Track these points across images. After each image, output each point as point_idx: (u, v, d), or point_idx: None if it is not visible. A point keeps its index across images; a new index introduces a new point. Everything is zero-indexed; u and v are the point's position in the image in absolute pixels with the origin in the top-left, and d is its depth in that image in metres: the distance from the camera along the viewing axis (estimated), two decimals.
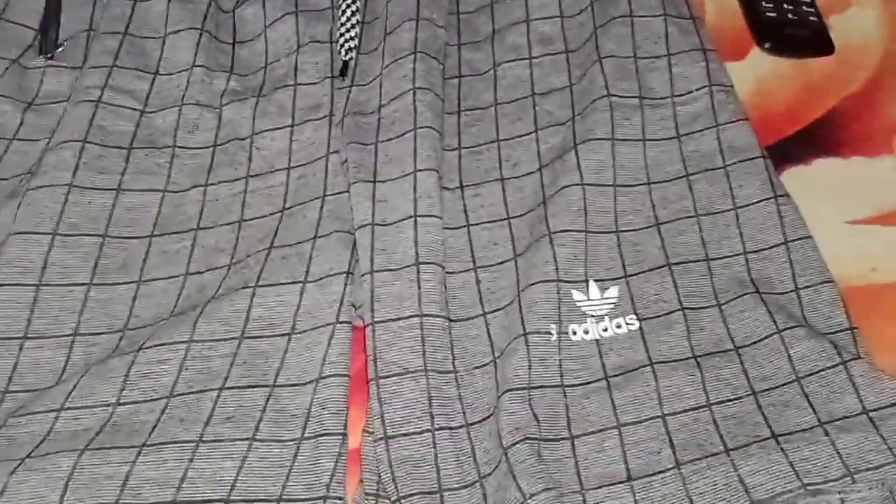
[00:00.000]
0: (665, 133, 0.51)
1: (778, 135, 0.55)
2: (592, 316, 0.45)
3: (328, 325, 0.44)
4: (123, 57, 0.54)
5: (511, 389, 0.41)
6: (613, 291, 0.45)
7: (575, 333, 0.44)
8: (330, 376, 0.43)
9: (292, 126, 0.53)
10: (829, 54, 0.58)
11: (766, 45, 0.59)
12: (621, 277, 0.46)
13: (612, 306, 0.45)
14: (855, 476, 0.38)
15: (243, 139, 0.52)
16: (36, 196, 0.48)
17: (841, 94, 0.57)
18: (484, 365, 0.44)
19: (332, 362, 0.43)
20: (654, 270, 0.46)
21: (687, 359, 0.42)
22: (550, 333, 0.43)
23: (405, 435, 0.41)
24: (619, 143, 0.50)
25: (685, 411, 0.41)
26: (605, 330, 0.44)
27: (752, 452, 0.39)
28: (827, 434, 0.39)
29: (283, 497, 0.40)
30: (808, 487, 0.38)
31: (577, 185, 0.48)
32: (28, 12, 0.57)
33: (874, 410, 0.40)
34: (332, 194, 0.49)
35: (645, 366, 0.42)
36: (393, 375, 0.43)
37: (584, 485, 0.39)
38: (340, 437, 0.42)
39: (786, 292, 0.45)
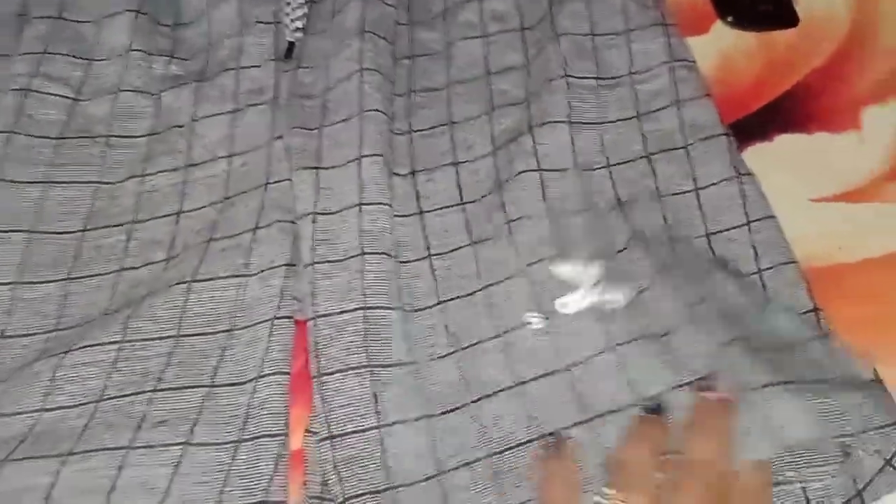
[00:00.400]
0: (624, 113, 0.49)
1: (742, 111, 0.53)
2: (585, 283, 0.43)
3: (268, 320, 0.42)
4: (55, 42, 0.52)
5: (499, 391, 0.40)
6: (596, 267, 0.43)
7: (566, 306, 0.42)
8: (270, 374, 0.41)
9: (234, 111, 0.50)
10: (793, 27, 0.56)
11: (729, 19, 0.56)
12: (598, 258, 0.44)
13: (595, 282, 0.43)
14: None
15: (182, 126, 0.50)
16: None
17: (806, 67, 0.55)
18: (443, 356, 0.42)
19: (272, 360, 0.41)
20: (622, 252, 0.44)
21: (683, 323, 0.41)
22: (530, 323, 0.42)
23: (350, 433, 0.40)
24: (575, 126, 0.48)
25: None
26: (603, 294, 0.42)
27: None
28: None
29: (221, 503, 0.38)
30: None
31: (535, 170, 0.46)
32: None
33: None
34: (275, 182, 0.47)
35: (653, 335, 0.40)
36: (336, 372, 0.41)
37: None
38: (280, 438, 0.40)
39: (749, 274, 0.44)
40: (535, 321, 0.42)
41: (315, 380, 0.41)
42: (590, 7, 0.52)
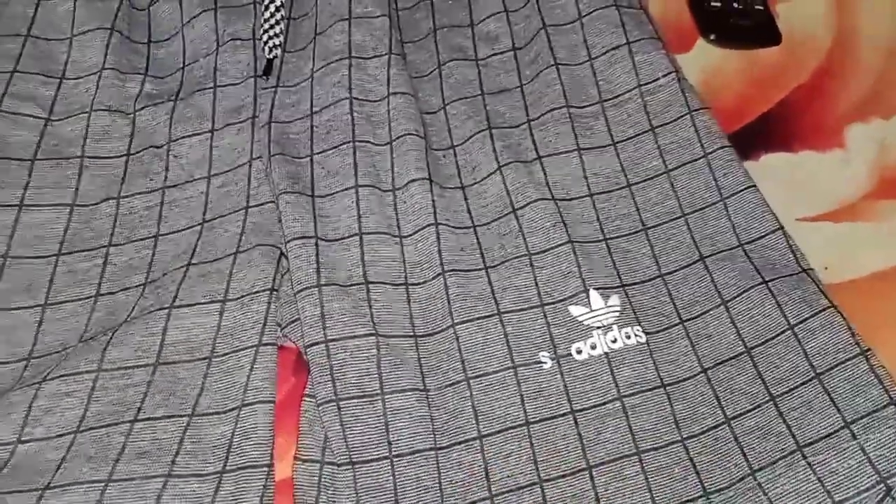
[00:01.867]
0: (637, 128, 0.49)
1: (727, 130, 0.52)
2: (599, 327, 0.42)
3: (251, 347, 0.41)
4: (26, 61, 0.50)
5: (506, 429, 0.39)
6: (615, 300, 0.43)
7: (580, 352, 0.41)
8: (254, 403, 0.40)
9: (212, 131, 0.49)
10: (776, 44, 0.56)
11: (712, 37, 0.56)
12: (619, 287, 0.43)
13: (617, 314, 0.42)
14: (888, 481, 0.36)
15: (159, 147, 0.48)
16: None
17: (790, 85, 0.55)
18: (455, 383, 0.41)
19: (255, 388, 0.40)
20: (649, 282, 0.44)
21: (696, 375, 0.40)
22: (542, 363, 0.41)
23: (369, 461, 0.39)
24: (586, 152, 0.48)
25: (704, 432, 0.39)
26: (615, 341, 0.41)
27: (778, 472, 0.37)
28: (854, 437, 0.37)
29: None
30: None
31: (549, 199, 0.45)
32: None
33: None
34: (256, 206, 0.46)
35: (658, 387, 0.40)
36: (354, 398, 0.40)
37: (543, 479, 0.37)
38: (266, 468, 0.38)
39: (795, 273, 0.43)
40: (549, 362, 0.41)
41: (330, 404, 0.40)
42: (584, 30, 0.51)
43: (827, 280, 0.47)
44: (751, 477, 0.37)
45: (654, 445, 0.38)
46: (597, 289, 0.43)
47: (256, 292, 0.42)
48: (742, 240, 0.44)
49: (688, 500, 0.37)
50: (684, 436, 0.39)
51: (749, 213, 0.45)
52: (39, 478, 0.37)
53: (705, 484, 0.37)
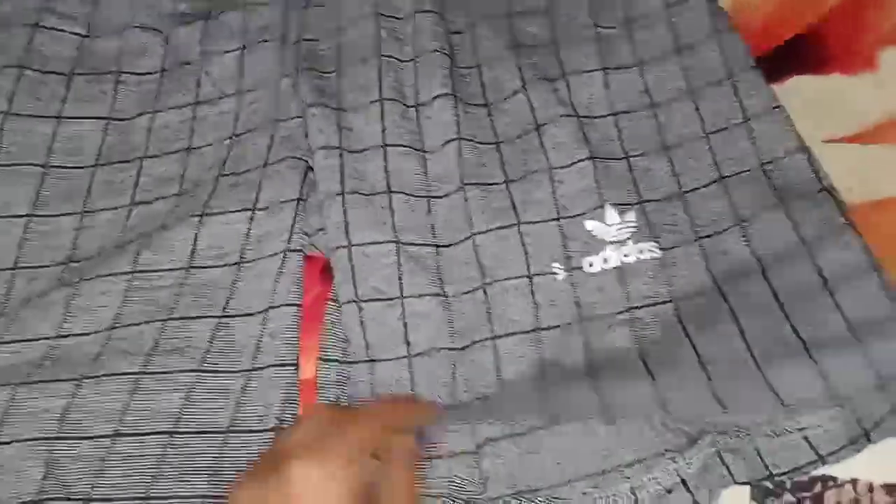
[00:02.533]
0: (663, 49, 0.49)
1: (755, 52, 0.52)
2: (613, 242, 0.43)
3: (278, 253, 0.43)
4: None
5: (515, 333, 0.41)
6: (631, 216, 0.44)
7: (592, 265, 0.42)
8: (281, 306, 0.41)
9: (243, 49, 0.50)
10: None
11: None
12: (637, 203, 0.44)
13: (633, 230, 0.43)
14: (888, 385, 0.36)
15: (191, 64, 0.50)
16: None
17: (821, 8, 0.54)
18: (472, 290, 0.43)
19: (283, 291, 0.42)
20: (667, 200, 0.44)
21: (710, 289, 0.41)
22: (555, 273, 0.42)
23: (385, 360, 0.41)
24: (611, 72, 0.48)
25: (717, 338, 0.40)
26: (627, 256, 0.43)
27: (782, 364, 0.37)
28: (859, 341, 0.37)
29: (233, 429, 0.39)
30: (832, 398, 0.36)
31: (573, 116, 0.46)
32: None
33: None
34: (284, 120, 0.47)
35: (668, 301, 0.41)
36: (373, 300, 0.42)
37: (612, 412, 0.38)
38: (292, 367, 0.40)
39: (816, 192, 0.43)
40: (560, 273, 0.42)
41: (351, 305, 0.42)
42: None
43: (851, 200, 0.47)
44: (752, 362, 0.38)
45: (660, 358, 0.39)
46: (613, 204, 0.44)
47: (284, 202, 0.44)
48: (763, 160, 0.44)
49: (685, 379, 0.38)
50: (700, 353, 0.39)
51: (772, 133, 0.45)
52: (77, 369, 0.40)
53: (708, 370, 0.38)
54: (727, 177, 0.44)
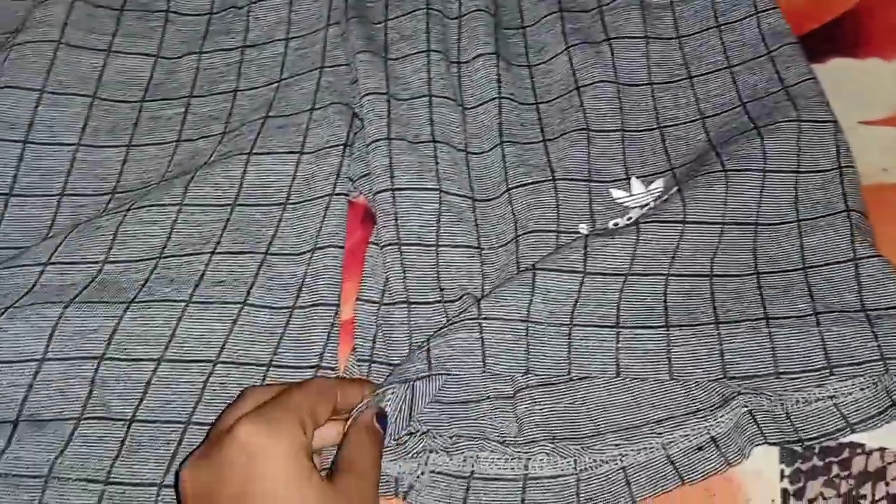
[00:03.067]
0: (703, 24, 0.50)
1: (796, 31, 0.53)
2: (637, 206, 0.44)
3: (324, 196, 0.43)
4: None
5: (539, 269, 0.41)
6: (659, 183, 0.45)
7: (617, 225, 0.44)
8: (326, 247, 0.42)
9: None
10: None
11: None
12: (667, 171, 0.45)
13: (658, 193, 0.44)
14: (834, 370, 0.38)
15: (240, 8, 0.50)
16: (22, 51, 0.46)
17: None
18: (507, 243, 0.44)
19: (328, 233, 0.42)
20: (699, 157, 0.45)
21: (714, 223, 0.42)
22: (579, 232, 0.43)
23: (424, 303, 0.41)
24: (652, 41, 0.49)
25: (688, 276, 0.41)
26: (647, 206, 0.44)
27: (739, 330, 0.39)
28: (818, 325, 0.39)
29: (274, 363, 0.39)
30: (782, 375, 0.38)
31: (612, 82, 0.47)
32: None
33: (873, 310, 0.39)
34: (331, 66, 0.47)
35: (677, 222, 0.41)
36: (414, 245, 0.42)
37: (573, 320, 0.40)
38: (334, 307, 0.41)
39: (829, 169, 0.44)
40: (585, 233, 0.43)
41: (393, 247, 0.42)
42: None
43: (884, 180, 0.48)
44: (713, 325, 0.40)
45: (643, 272, 0.41)
46: (639, 177, 0.45)
47: (331, 146, 0.44)
48: (801, 117, 0.44)
49: (648, 326, 0.40)
50: (671, 272, 0.41)
51: (806, 104, 0.45)
52: (125, 293, 0.40)
53: (669, 318, 0.40)
54: (764, 137, 0.44)
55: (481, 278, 0.43)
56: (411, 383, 0.37)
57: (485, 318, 0.39)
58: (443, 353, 0.38)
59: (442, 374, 0.38)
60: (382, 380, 0.40)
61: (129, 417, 0.37)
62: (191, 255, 0.41)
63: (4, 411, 0.38)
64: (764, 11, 0.49)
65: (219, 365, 0.39)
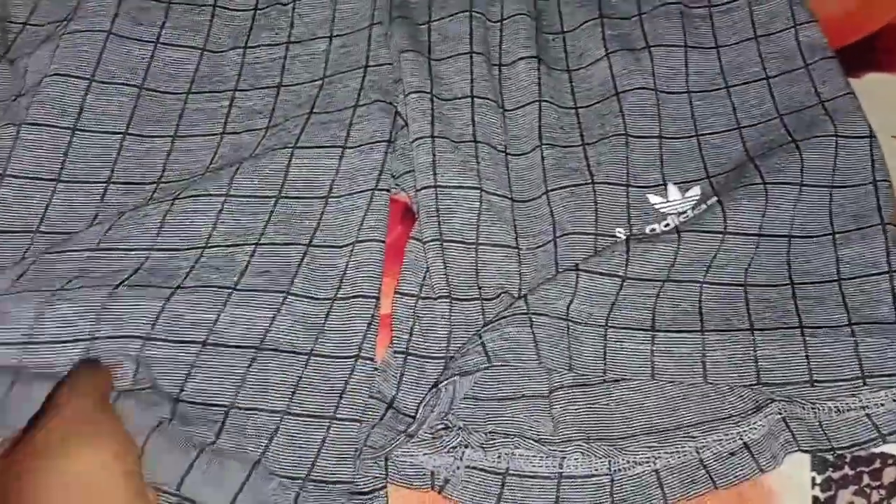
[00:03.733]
0: (741, 35, 0.50)
1: (833, 44, 0.53)
2: (674, 213, 0.45)
3: (367, 190, 0.44)
4: None
5: (582, 271, 0.42)
6: (696, 190, 0.45)
7: (654, 231, 0.44)
8: (367, 241, 0.42)
9: None
10: None
11: None
12: (703, 178, 0.46)
13: (695, 201, 0.45)
14: (867, 380, 0.38)
15: (285, 4, 0.50)
16: (73, 40, 0.46)
17: None
18: (546, 244, 0.44)
19: (370, 227, 0.43)
20: (738, 168, 0.45)
21: (751, 235, 0.42)
22: (616, 237, 0.44)
23: (466, 300, 0.42)
24: (691, 50, 0.49)
25: (722, 285, 0.42)
26: (684, 213, 0.44)
27: (775, 338, 0.40)
28: (853, 335, 0.39)
29: (314, 352, 0.40)
30: (815, 384, 0.38)
31: (651, 89, 0.48)
32: None
33: None
34: (375, 65, 0.48)
35: (717, 232, 0.42)
36: (455, 241, 0.43)
37: (609, 321, 0.40)
38: (374, 300, 0.41)
39: (864, 184, 0.44)
40: (623, 238, 0.44)
41: (434, 243, 0.43)
42: None
43: None
44: (749, 332, 0.40)
45: (678, 279, 0.42)
46: (676, 183, 0.45)
47: (375, 142, 0.45)
48: (839, 132, 0.45)
49: (684, 331, 0.40)
50: (706, 279, 0.42)
51: (844, 119, 0.46)
52: (172, 279, 0.40)
53: (704, 322, 0.41)
54: (803, 150, 0.45)
55: (518, 278, 0.43)
56: (457, 377, 0.37)
57: (534, 314, 0.40)
58: (499, 347, 0.38)
59: (500, 365, 0.39)
60: (418, 372, 0.41)
61: (175, 397, 0.38)
62: (235, 245, 0.42)
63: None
64: (802, 24, 0.49)
65: (261, 352, 0.39)
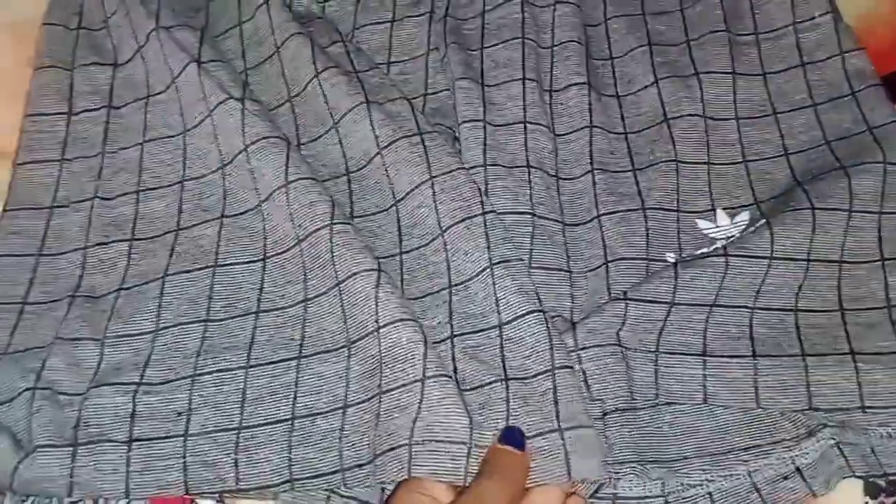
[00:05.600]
0: (788, 62, 0.51)
1: (879, 71, 0.53)
2: (723, 238, 0.46)
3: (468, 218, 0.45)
4: None
5: (631, 300, 0.43)
6: (744, 215, 0.46)
7: (704, 253, 0.45)
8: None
9: (392, 21, 0.53)
10: None
11: None
12: (752, 204, 0.46)
13: (744, 226, 0.46)
14: None
15: (346, 35, 0.52)
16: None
17: None
18: (597, 268, 0.45)
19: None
20: (786, 193, 0.46)
21: (800, 260, 0.43)
22: (666, 261, 0.45)
23: (513, 319, 0.42)
24: (739, 77, 0.50)
25: (772, 310, 0.43)
26: (732, 237, 0.45)
27: (826, 363, 0.41)
28: None
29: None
30: (867, 410, 0.39)
31: (700, 115, 0.49)
32: None
33: None
34: (433, 93, 0.49)
35: (765, 257, 0.42)
36: (503, 261, 0.44)
37: (660, 347, 0.41)
38: None
39: None
40: (671, 261, 0.45)
41: (486, 269, 0.43)
42: None
43: None
44: (800, 357, 0.41)
45: (727, 304, 0.43)
46: (725, 208, 0.46)
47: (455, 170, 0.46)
48: (888, 159, 0.45)
49: (736, 356, 0.41)
50: (756, 305, 0.43)
51: (892, 146, 0.46)
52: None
53: (755, 347, 0.42)
54: (851, 175, 0.45)
55: (570, 301, 0.44)
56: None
57: (581, 349, 0.41)
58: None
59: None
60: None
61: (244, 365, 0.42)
62: (279, 361, 0.44)
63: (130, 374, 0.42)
64: (849, 52, 0.50)
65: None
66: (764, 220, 0.44)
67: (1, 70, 0.55)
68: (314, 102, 0.49)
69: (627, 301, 0.42)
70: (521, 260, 0.43)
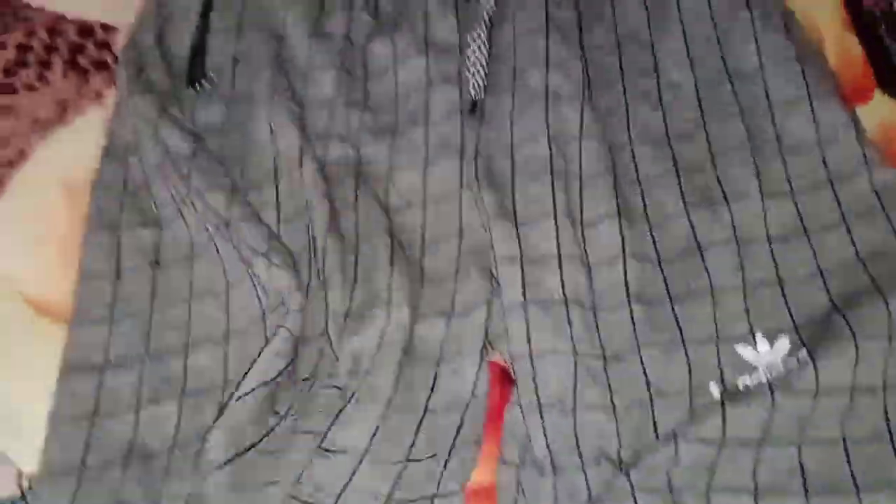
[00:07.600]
0: (815, 179, 0.51)
1: None
2: (764, 364, 0.46)
3: (474, 354, 0.48)
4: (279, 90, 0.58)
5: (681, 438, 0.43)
6: (784, 342, 0.46)
7: (745, 384, 0.45)
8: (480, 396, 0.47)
9: (426, 163, 0.55)
10: None
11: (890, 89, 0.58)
12: (790, 328, 0.46)
13: (783, 354, 0.46)
14: None
15: (382, 176, 0.55)
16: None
17: None
18: (640, 402, 0.46)
19: (480, 389, 0.47)
20: (825, 320, 0.46)
21: (845, 389, 0.43)
22: (711, 393, 0.45)
23: (565, 468, 0.44)
24: (767, 197, 0.50)
25: (820, 443, 0.43)
26: (774, 364, 0.45)
27: (879, 498, 0.40)
28: None
29: None
30: None
31: (732, 241, 0.49)
32: (177, 48, 0.61)
33: None
34: (469, 231, 0.51)
35: (811, 391, 0.43)
36: (554, 407, 0.45)
37: (711, 487, 0.42)
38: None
39: None
40: (716, 392, 0.46)
41: (534, 413, 0.46)
42: (766, 80, 0.54)
43: None
44: (854, 495, 0.41)
45: (776, 442, 0.42)
46: (763, 333, 0.46)
47: (476, 306, 0.48)
48: None
49: (788, 494, 0.41)
50: (803, 441, 0.42)
51: None
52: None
53: (808, 486, 0.42)
54: (889, 294, 0.45)
55: (617, 439, 0.45)
56: None
57: (638, 490, 0.42)
58: None
59: None
60: None
61: None
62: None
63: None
64: (874, 165, 0.50)
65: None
66: (806, 352, 0.44)
67: (56, 230, 0.57)
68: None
69: (678, 442, 0.43)
70: None
